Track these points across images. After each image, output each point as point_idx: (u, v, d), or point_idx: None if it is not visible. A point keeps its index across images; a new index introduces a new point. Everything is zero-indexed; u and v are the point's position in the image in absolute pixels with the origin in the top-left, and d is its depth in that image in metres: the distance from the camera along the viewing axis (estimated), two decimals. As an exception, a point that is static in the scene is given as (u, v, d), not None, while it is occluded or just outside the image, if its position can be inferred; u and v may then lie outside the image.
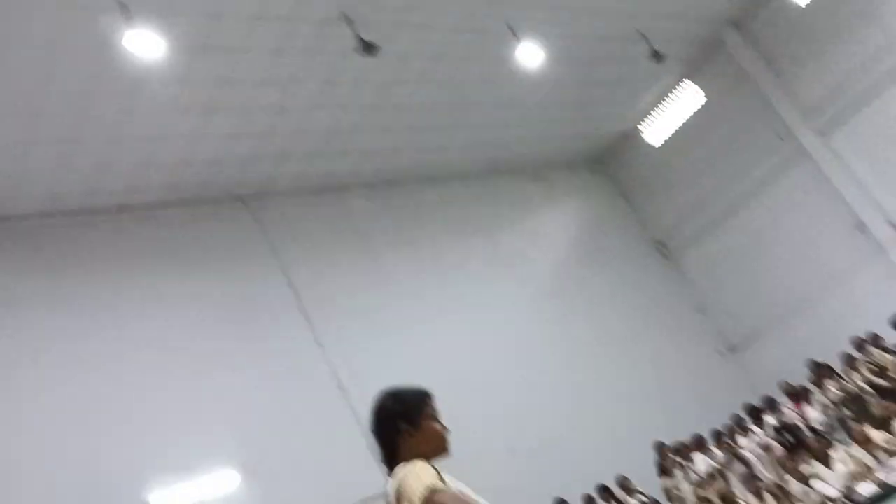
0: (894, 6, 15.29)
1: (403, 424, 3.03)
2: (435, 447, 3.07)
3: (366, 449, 11.94)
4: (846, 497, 10.40)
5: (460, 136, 15.74)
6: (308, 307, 13.35)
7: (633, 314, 17.08)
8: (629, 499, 12.59)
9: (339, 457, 11.59)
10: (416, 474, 2.84)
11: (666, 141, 18.52)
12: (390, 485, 2.92)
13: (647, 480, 13.02)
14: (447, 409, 3.30)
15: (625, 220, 19.16)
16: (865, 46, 15.54)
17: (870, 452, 10.72)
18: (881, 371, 12.30)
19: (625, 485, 12.78)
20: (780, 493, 11.27)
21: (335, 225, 14.74)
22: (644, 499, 12.75)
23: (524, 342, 15.32)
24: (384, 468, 3.08)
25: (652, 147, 18.73)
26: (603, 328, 16.57)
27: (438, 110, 14.68)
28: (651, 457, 13.14)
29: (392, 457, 3.04)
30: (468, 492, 2.90)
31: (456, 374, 12.71)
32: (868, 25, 15.46)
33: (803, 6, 15.97)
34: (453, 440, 3.18)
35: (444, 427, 3.11)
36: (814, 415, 12.75)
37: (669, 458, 12.94)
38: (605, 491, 12.64)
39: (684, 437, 13.35)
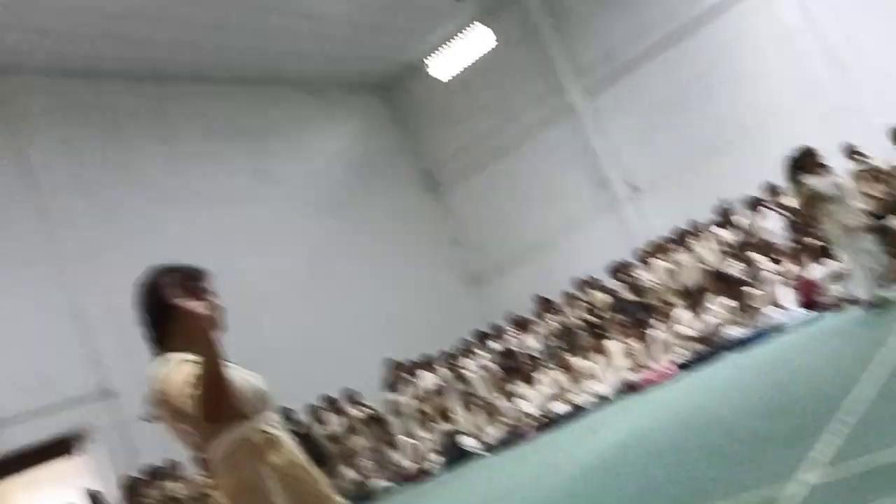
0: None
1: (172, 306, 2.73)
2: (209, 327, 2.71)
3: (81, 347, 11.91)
4: (543, 414, 11.54)
5: (243, 38, 15.20)
6: (46, 195, 12.64)
7: (394, 239, 17.65)
8: (351, 409, 13.25)
9: (55, 354, 11.32)
10: (178, 371, 2.70)
11: (452, 78, 18.98)
12: (155, 380, 2.76)
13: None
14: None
15: (400, 149, 19.58)
16: (641, 18, 16.69)
17: (571, 378, 11.91)
18: (593, 309, 13.66)
19: (351, 397, 13.42)
20: (490, 408, 12.30)
21: (89, 114, 13.87)
22: (368, 410, 13.49)
23: (285, 254, 15.44)
24: (153, 349, 2.89)
25: (437, 81, 19.17)
26: (363, 249, 16.99)
27: (221, 7, 14.13)
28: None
29: (158, 345, 2.87)
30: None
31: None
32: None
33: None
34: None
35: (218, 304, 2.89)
36: (531, 343, 13.99)
37: (397, 373, 13.73)
38: (330, 402, 13.24)
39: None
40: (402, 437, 13.00)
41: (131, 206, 13.54)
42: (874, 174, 11.65)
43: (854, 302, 8.90)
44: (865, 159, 11.69)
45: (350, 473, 12.95)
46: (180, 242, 13.73)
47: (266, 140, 16.53)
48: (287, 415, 13.05)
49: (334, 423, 13.46)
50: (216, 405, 2.61)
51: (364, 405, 13.61)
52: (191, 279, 2.89)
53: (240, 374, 2.84)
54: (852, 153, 11.81)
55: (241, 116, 16.14)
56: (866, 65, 13.96)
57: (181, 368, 2.68)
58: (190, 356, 2.65)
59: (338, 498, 2.98)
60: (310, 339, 14.51)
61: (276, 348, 14.03)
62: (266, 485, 2.74)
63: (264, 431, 2.87)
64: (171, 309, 2.69)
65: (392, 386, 13.78)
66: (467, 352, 14.18)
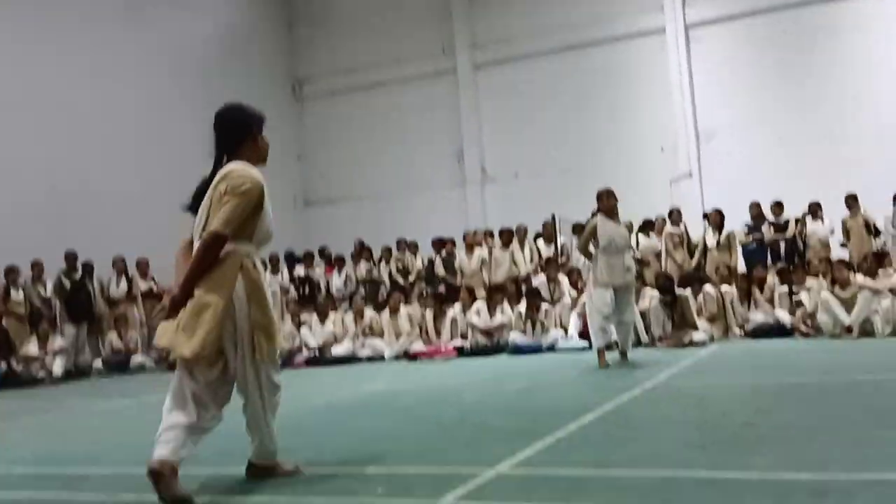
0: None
1: (256, 130, 3.76)
2: (261, 158, 3.79)
3: None
4: (319, 349, 11.77)
5: None
6: None
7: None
8: (140, 280, 13.01)
9: None
10: (248, 171, 3.59)
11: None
12: (225, 168, 3.60)
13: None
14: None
15: (276, 45, 19.06)
16: (547, 19, 17.08)
17: (359, 327, 12.17)
18: (404, 271, 14.01)
19: (142, 268, 13.18)
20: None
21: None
22: (153, 284, 13.26)
23: (124, 107, 14.77)
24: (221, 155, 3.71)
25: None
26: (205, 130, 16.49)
27: None
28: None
29: (223, 151, 3.71)
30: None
31: None
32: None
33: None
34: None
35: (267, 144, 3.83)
36: (336, 281, 14.17)
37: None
38: (121, 265, 12.96)
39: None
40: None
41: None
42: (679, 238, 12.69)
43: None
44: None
45: (114, 339, 12.69)
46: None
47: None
48: (72, 262, 12.61)
49: (115, 285, 13.15)
50: (238, 227, 3.51)
51: (153, 279, 13.33)
52: (262, 122, 3.82)
53: (271, 213, 3.70)
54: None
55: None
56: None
57: (251, 173, 3.59)
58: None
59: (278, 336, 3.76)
60: (127, 200, 14.04)
61: (95, 199, 13.57)
62: (233, 284, 3.50)
63: (254, 261, 3.66)
64: (253, 138, 3.74)
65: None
66: (273, 267, 14.15)
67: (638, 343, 10.17)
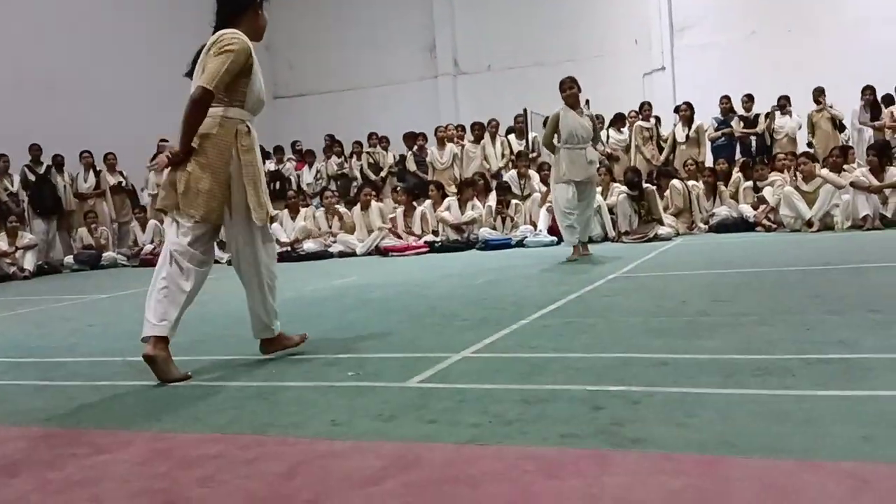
0: None
1: (259, 2, 3.85)
2: (258, 35, 3.88)
3: None
4: (291, 244, 11.83)
5: None
6: None
7: (207, 15, 16.76)
8: (108, 174, 12.91)
9: None
10: (237, 35, 3.70)
11: None
12: (211, 39, 3.72)
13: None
14: None
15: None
16: None
17: (331, 223, 12.24)
18: (375, 165, 13.98)
19: (109, 161, 13.03)
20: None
21: None
22: (122, 179, 13.18)
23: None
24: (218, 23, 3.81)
25: None
26: (172, 22, 16.04)
27: None
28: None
29: (224, 23, 3.79)
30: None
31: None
32: None
33: None
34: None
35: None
36: (307, 176, 14.12)
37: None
38: (87, 158, 12.77)
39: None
40: (151, 219, 12.80)
41: None
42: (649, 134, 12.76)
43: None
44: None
45: (84, 234, 12.66)
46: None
47: None
48: (37, 155, 12.45)
49: (83, 180, 13.03)
50: (228, 89, 3.69)
51: (121, 173, 13.22)
52: None
53: (261, 79, 3.87)
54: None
55: None
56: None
57: (239, 36, 3.69)
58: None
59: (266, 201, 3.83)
60: (94, 94, 13.78)
61: (58, 88, 13.27)
62: (230, 155, 3.72)
63: (248, 126, 3.81)
64: (255, 10, 3.83)
65: (154, 164, 13.42)
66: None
67: (605, 237, 10.37)
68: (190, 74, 3.83)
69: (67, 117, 13.10)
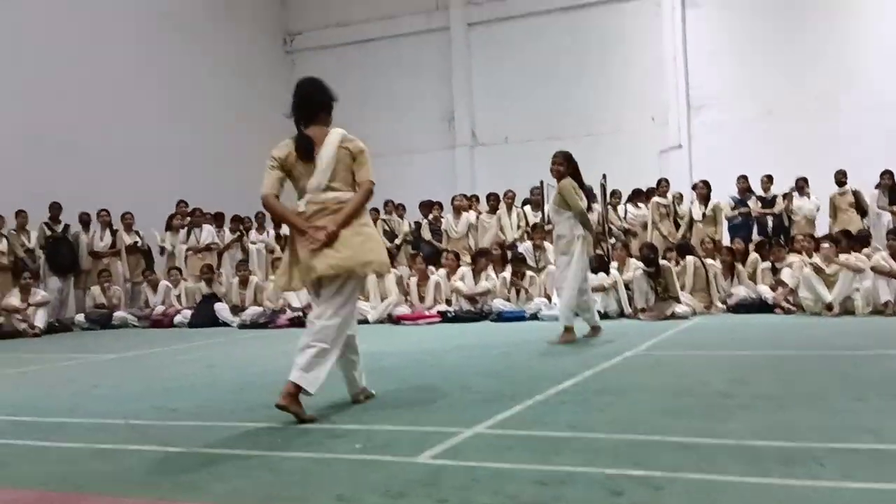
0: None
1: (332, 103, 4.47)
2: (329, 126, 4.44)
3: None
4: (303, 310, 11.73)
5: None
6: None
7: (232, 85, 17.13)
8: (124, 233, 13.05)
9: None
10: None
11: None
12: (336, 132, 4.36)
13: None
14: None
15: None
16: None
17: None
18: (391, 232, 13.98)
19: (126, 220, 13.13)
20: (257, 287, 12.30)
21: None
22: (138, 239, 13.25)
23: (115, 54, 14.62)
24: (305, 124, 4.35)
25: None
26: (199, 81, 16.39)
27: None
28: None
29: (312, 116, 4.37)
30: None
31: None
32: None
33: None
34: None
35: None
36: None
37: (181, 214, 13.52)
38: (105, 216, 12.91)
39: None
40: (162, 280, 12.79)
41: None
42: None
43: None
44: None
45: (97, 293, 12.63)
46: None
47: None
48: (56, 213, 12.55)
49: (99, 238, 13.06)
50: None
51: (138, 233, 13.27)
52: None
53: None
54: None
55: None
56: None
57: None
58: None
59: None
60: (112, 153, 13.99)
61: (79, 146, 13.50)
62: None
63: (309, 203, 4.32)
64: (331, 109, 4.44)
65: (169, 225, 13.49)
66: (259, 226, 14.11)
67: (621, 314, 10.24)
68: (305, 158, 4.28)
69: (86, 176, 13.22)
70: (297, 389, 4.08)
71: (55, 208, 12.50)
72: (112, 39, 14.62)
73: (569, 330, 7.47)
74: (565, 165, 7.59)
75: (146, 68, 15.18)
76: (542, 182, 13.12)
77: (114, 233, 13.09)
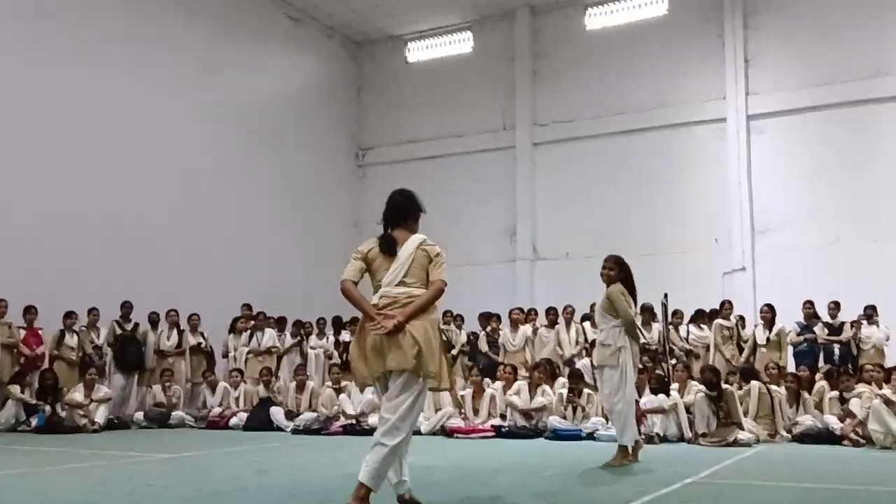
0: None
1: (419, 213, 4.93)
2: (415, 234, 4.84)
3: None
4: (357, 418, 11.69)
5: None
6: None
7: (305, 196, 17.73)
8: (190, 334, 13.28)
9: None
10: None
11: (419, 63, 19.32)
12: (418, 235, 4.80)
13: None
14: None
15: (342, 113, 19.62)
16: (611, 102, 17.29)
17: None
18: (448, 343, 13.96)
19: (192, 321, 13.41)
20: (313, 392, 12.35)
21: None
22: (202, 341, 13.48)
23: (193, 159, 15.34)
24: (392, 227, 4.82)
25: (404, 61, 19.50)
26: (272, 191, 17.01)
27: None
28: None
29: (400, 221, 4.83)
30: None
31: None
32: (622, 77, 17.16)
33: (587, 29, 17.62)
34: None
35: None
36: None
37: (246, 317, 13.77)
38: (174, 317, 13.22)
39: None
40: (221, 381, 12.94)
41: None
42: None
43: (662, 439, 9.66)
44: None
45: (158, 391, 12.81)
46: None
47: (222, 35, 16.28)
48: (127, 312, 12.89)
49: (166, 338, 13.32)
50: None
51: (202, 334, 13.54)
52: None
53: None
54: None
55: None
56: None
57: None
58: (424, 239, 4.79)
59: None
60: (188, 252, 14.46)
61: (154, 246, 14.02)
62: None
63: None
64: (418, 218, 4.92)
65: (233, 328, 13.75)
66: (320, 331, 14.29)
67: (680, 438, 9.94)
68: (388, 252, 4.70)
69: (157, 276, 13.66)
70: (368, 491, 4.33)
71: (126, 307, 12.88)
72: (193, 141, 15.34)
73: (624, 450, 7.24)
74: (616, 270, 7.42)
75: (223, 173, 15.82)
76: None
77: (180, 333, 13.36)
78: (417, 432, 11.14)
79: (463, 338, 14.07)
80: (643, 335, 10.52)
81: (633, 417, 7.50)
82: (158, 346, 13.22)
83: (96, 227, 13.33)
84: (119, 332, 12.80)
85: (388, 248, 4.68)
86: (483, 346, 13.41)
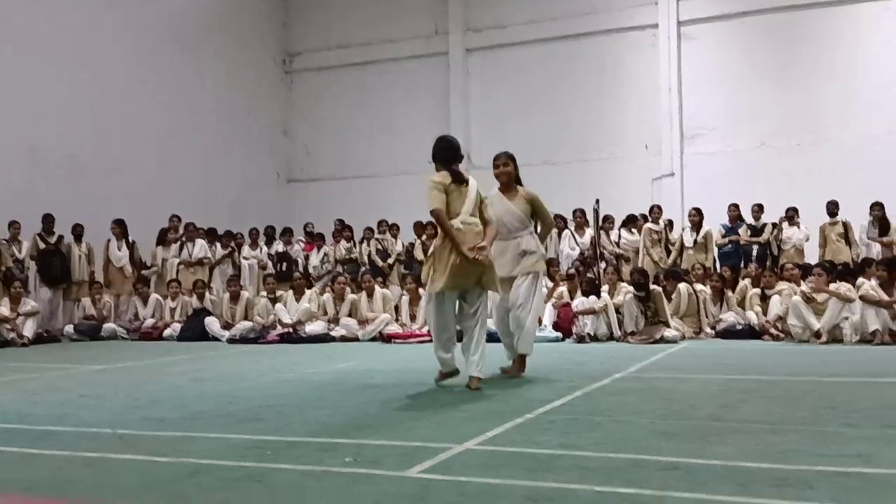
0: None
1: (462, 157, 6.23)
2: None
3: None
4: (293, 326, 11.68)
5: None
6: None
7: (227, 100, 17.21)
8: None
9: None
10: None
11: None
12: (475, 183, 6.02)
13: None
14: None
15: (272, 17, 18.93)
16: (545, 7, 17.07)
17: (335, 307, 12.13)
18: (384, 252, 13.99)
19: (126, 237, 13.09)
20: (248, 302, 12.25)
21: None
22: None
23: (111, 69, 14.67)
24: (450, 163, 5.96)
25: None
26: (195, 97, 16.46)
27: None
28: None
29: (451, 160, 6.01)
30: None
31: None
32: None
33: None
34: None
35: None
36: (314, 259, 14.13)
37: (173, 230, 13.49)
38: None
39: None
40: (153, 294, 12.74)
41: None
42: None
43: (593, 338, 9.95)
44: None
45: (88, 304, 12.57)
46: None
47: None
48: (49, 226, 12.51)
49: (116, 248, 13.01)
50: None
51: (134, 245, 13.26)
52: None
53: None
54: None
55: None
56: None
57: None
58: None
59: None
60: (110, 168, 14.02)
61: (76, 161, 13.50)
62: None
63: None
64: (461, 157, 6.17)
65: (161, 240, 13.46)
66: (252, 242, 14.11)
67: (610, 337, 10.26)
68: (461, 179, 5.90)
69: (82, 189, 13.28)
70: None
71: (48, 220, 12.48)
72: (112, 54, 14.71)
73: (524, 360, 6.64)
74: (512, 166, 6.59)
75: (145, 84, 15.24)
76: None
77: (130, 245, 13.06)
78: (355, 339, 11.31)
79: (399, 247, 14.10)
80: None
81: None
82: (108, 259, 12.96)
83: (17, 142, 12.82)
84: (42, 245, 12.42)
85: (461, 178, 5.85)
86: (419, 254, 13.45)
